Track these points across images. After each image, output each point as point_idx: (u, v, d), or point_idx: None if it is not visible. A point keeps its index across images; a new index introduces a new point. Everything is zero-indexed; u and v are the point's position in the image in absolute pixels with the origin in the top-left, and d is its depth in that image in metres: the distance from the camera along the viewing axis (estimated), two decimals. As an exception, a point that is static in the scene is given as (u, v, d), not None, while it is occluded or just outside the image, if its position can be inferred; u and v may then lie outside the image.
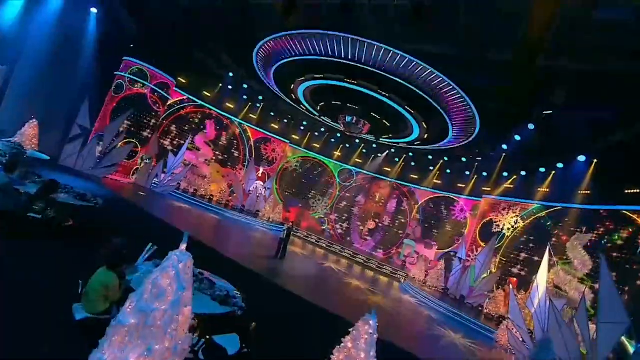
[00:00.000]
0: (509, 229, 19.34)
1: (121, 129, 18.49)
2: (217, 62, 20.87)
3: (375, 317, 4.74)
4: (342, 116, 18.34)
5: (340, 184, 28.65)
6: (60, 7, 14.86)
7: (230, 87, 23.63)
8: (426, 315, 14.65)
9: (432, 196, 25.65)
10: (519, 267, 18.19)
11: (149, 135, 20.45)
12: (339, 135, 26.98)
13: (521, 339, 12.10)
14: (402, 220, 26.54)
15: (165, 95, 20.64)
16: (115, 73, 18.86)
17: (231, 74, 21.66)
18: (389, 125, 17.90)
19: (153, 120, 20.30)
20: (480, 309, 17.86)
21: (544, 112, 12.02)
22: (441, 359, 9.74)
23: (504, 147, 16.94)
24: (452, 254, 22.59)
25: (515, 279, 17.89)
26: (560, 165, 16.16)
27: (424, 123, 16.71)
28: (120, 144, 18.65)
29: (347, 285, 14.26)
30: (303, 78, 16.82)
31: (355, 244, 27.11)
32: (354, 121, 17.93)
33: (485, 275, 18.68)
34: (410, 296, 17.48)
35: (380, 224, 27.12)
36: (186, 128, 23.52)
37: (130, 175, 19.96)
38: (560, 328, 9.38)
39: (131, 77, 18.84)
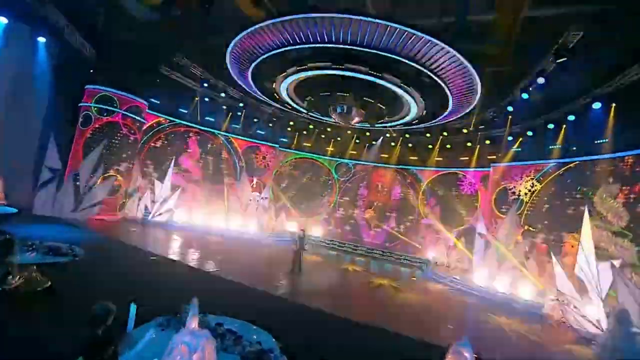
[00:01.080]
0: (525, 194, 18.32)
1: (98, 164, 16.88)
2: (188, 74, 19.38)
3: (469, 345, 3.48)
4: (333, 107, 17.04)
5: (339, 180, 27.39)
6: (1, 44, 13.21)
7: (207, 99, 22.12)
8: (462, 302, 13.51)
9: (435, 175, 24.56)
10: (544, 232, 17.17)
11: (130, 165, 18.86)
12: (329, 129, 25.70)
13: (575, 309, 11.03)
14: (411, 210, 25.41)
15: (140, 119, 19.08)
16: (80, 105, 17.24)
17: (205, 84, 20.16)
18: (384, 107, 16.67)
19: (131, 149, 18.72)
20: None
21: (557, 61, 10.90)
22: (497, 353, 8.53)
23: (509, 108, 15.86)
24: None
25: (544, 245, 16.88)
26: (571, 117, 15.14)
27: (421, 98, 15.53)
28: (99, 180, 17.07)
29: (372, 286, 13.02)
30: (285, 73, 15.47)
31: (366, 238, 25.90)
32: (346, 110, 16.65)
33: (511, 247, 17.63)
34: (441, 284, 16.33)
35: (388, 213, 25.94)
36: (169, 150, 21.94)
37: (118, 211, 18.36)
38: (631, 292, 8.27)
39: (98, 105, 17.24)
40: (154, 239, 15.66)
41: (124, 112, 17.93)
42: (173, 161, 21.02)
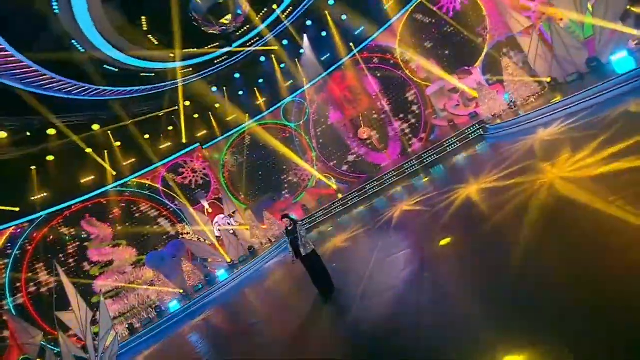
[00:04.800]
0: None
1: None
2: None
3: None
4: (195, 13, 8.96)
5: (300, 125, 19.55)
6: None
7: (51, 158, 13.81)
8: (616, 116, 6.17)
9: (401, 24, 16.67)
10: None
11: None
12: (237, 75, 17.53)
13: None
14: (405, 88, 17.77)
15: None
16: None
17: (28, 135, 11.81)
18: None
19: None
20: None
21: None
22: None
23: None
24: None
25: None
26: None
27: None
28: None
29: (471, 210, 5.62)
30: None
31: (382, 163, 18.53)
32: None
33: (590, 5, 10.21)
34: (536, 132, 8.97)
35: (382, 115, 18.39)
36: (60, 258, 13.97)
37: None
38: None
39: None
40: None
41: None
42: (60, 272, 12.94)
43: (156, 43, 10.64)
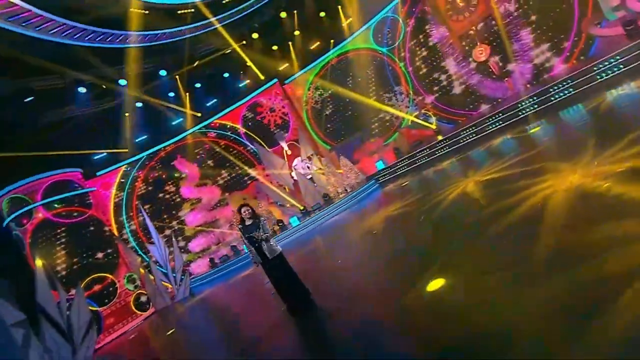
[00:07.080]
0: None
1: (53, 284, 11.73)
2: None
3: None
4: None
5: (393, 49, 15.72)
6: None
7: (139, 104, 14.88)
8: None
9: None
10: None
11: (110, 249, 13.28)
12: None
13: None
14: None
15: (75, 192, 13.31)
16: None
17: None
18: None
19: (90, 230, 13.18)
20: None
21: None
22: None
23: None
24: None
25: None
26: None
27: None
28: (81, 297, 11.91)
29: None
30: None
31: (501, 97, 13.55)
32: None
33: None
34: None
35: (506, 26, 12.89)
36: (159, 196, 15.88)
37: (135, 312, 12.98)
38: None
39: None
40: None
41: (42, 203, 12.37)
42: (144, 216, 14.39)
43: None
